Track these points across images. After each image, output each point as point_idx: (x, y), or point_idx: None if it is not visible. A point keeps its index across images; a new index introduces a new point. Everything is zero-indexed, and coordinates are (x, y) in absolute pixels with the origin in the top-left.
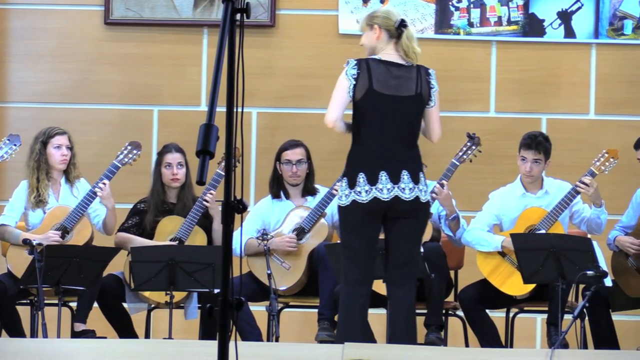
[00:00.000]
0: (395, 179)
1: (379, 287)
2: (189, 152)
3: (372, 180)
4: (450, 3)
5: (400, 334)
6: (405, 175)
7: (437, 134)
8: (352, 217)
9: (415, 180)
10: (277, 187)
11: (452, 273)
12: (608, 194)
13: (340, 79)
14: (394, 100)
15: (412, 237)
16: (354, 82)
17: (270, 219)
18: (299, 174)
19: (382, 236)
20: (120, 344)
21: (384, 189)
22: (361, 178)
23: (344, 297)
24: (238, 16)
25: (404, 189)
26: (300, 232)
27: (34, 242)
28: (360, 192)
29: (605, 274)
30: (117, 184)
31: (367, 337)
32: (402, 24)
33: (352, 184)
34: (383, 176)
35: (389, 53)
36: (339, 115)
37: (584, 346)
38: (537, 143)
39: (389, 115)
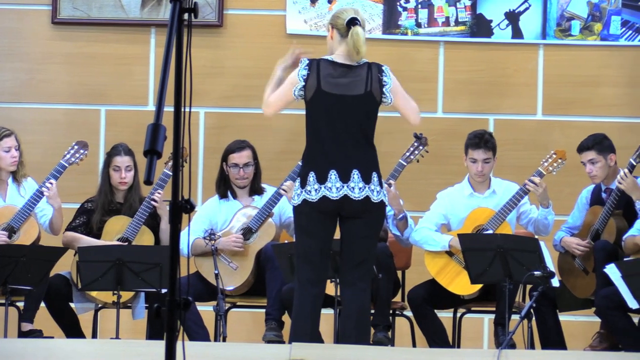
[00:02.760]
0: (344, 178)
1: (327, 287)
2: (136, 151)
3: (322, 179)
4: (398, 3)
5: (353, 333)
6: (355, 175)
7: (413, 117)
8: (303, 216)
9: (367, 180)
10: (224, 187)
11: (399, 273)
12: (555, 194)
13: (291, 77)
14: (343, 100)
15: (365, 237)
16: (304, 83)
17: (218, 219)
18: (246, 177)
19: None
20: (68, 344)
21: (333, 188)
22: (311, 177)
23: (295, 297)
24: (186, 16)
25: (353, 188)
26: (247, 232)
27: None
28: (310, 191)
29: (552, 275)
30: (64, 184)
31: (315, 337)
32: (351, 22)
33: (303, 183)
34: (333, 175)
35: (340, 54)
36: (277, 111)
37: (531, 346)
38: (485, 141)
39: (338, 115)
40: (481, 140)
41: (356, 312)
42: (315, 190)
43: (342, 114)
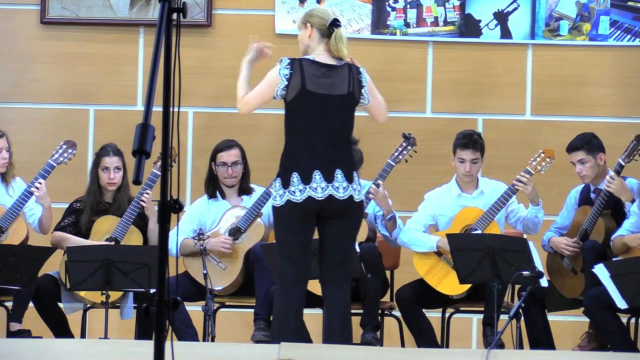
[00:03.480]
0: (329, 178)
1: (315, 287)
2: (125, 151)
3: (306, 180)
4: (387, 3)
5: (336, 334)
6: (339, 174)
7: (382, 116)
8: (287, 217)
9: (349, 179)
10: (212, 187)
11: (387, 273)
12: (543, 194)
13: (271, 76)
14: (327, 100)
15: (346, 237)
16: (287, 82)
17: (206, 219)
18: (234, 175)
19: (316, 236)
20: (56, 344)
21: (318, 188)
22: (295, 177)
23: (278, 297)
24: (174, 16)
25: (337, 187)
26: (236, 232)
27: None
28: (294, 192)
29: (540, 275)
30: (53, 183)
31: (303, 337)
32: (334, 24)
33: (286, 184)
34: (317, 175)
35: (320, 53)
36: (253, 109)
37: (520, 346)
38: (474, 142)
39: (322, 115)
40: (470, 141)
41: (341, 313)
42: (300, 191)
43: (325, 113)
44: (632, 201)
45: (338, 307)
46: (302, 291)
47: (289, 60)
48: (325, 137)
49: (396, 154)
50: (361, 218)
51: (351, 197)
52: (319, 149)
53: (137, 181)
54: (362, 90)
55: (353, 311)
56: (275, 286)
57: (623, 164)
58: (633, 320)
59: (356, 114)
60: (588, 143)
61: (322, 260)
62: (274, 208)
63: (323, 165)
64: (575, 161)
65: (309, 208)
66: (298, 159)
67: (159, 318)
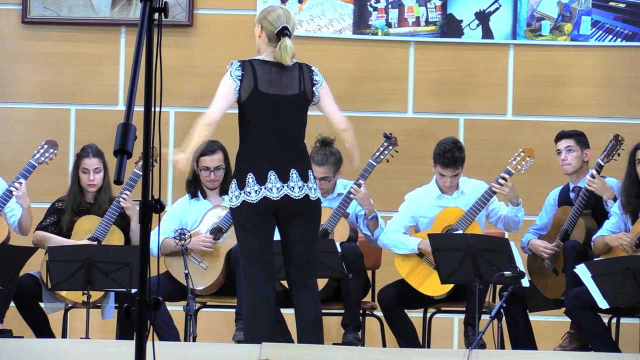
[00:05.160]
0: (284, 178)
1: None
2: (107, 151)
3: (261, 180)
4: (369, 3)
5: (307, 334)
6: (294, 174)
7: (339, 120)
8: (244, 217)
9: (305, 178)
10: (194, 187)
11: (369, 273)
12: (524, 194)
13: (225, 80)
14: (280, 100)
15: (307, 236)
16: (239, 84)
17: (188, 219)
18: (216, 179)
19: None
20: (37, 344)
21: (274, 189)
22: (250, 178)
23: (247, 297)
24: (156, 15)
25: (293, 187)
26: (217, 231)
27: None
28: (249, 193)
29: (522, 275)
30: (34, 183)
31: (284, 336)
32: (282, 32)
33: (241, 185)
34: (272, 176)
35: (269, 54)
36: (219, 114)
37: (501, 346)
38: (455, 161)
39: (275, 115)
40: (450, 160)
41: (312, 314)
42: (256, 191)
43: (278, 113)
44: (615, 199)
45: (307, 307)
46: (270, 289)
47: (239, 62)
48: (279, 137)
49: (377, 153)
50: (319, 215)
51: (307, 196)
52: (273, 149)
53: (118, 181)
54: (314, 89)
55: (334, 311)
56: (243, 287)
57: (602, 163)
58: (614, 320)
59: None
60: (579, 135)
61: (287, 260)
62: (231, 209)
63: (278, 166)
64: (562, 148)
65: (265, 208)
66: (253, 159)
67: (140, 318)
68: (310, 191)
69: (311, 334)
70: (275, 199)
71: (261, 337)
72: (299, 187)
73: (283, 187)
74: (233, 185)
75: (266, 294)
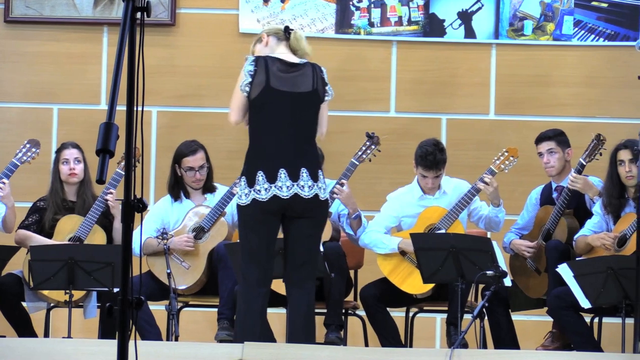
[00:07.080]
0: (294, 177)
1: (279, 286)
2: (89, 150)
3: (271, 178)
4: (351, 3)
5: (299, 334)
6: (304, 173)
7: (323, 132)
8: (252, 216)
9: (314, 178)
10: (177, 189)
11: (351, 272)
12: (507, 194)
13: (240, 77)
14: (292, 97)
15: (311, 236)
16: (250, 79)
17: (170, 218)
18: (202, 179)
19: (280, 236)
20: (20, 343)
21: (284, 187)
22: (260, 176)
23: (241, 297)
24: (138, 15)
25: (303, 186)
26: (200, 231)
27: None
28: (259, 191)
29: (504, 274)
30: (16, 182)
31: (267, 336)
32: (288, 29)
33: (251, 183)
34: (282, 174)
35: (282, 52)
36: (240, 115)
37: (484, 346)
38: (436, 163)
39: (287, 112)
40: (432, 163)
41: (304, 313)
42: (266, 190)
43: (290, 111)
44: (600, 195)
45: (301, 307)
46: (265, 292)
47: (253, 58)
48: (290, 135)
49: (360, 153)
50: (326, 217)
51: (316, 195)
52: (284, 147)
53: (100, 180)
54: (327, 88)
55: (317, 311)
56: (239, 286)
57: (584, 163)
58: (597, 319)
59: None
60: (559, 135)
61: (287, 259)
62: (239, 207)
63: (288, 164)
64: (544, 151)
65: (274, 207)
66: (263, 157)
67: (123, 317)
68: (320, 191)
69: (303, 333)
70: (285, 197)
71: (252, 338)
72: (309, 187)
73: (293, 185)
74: (242, 182)
75: (260, 296)
